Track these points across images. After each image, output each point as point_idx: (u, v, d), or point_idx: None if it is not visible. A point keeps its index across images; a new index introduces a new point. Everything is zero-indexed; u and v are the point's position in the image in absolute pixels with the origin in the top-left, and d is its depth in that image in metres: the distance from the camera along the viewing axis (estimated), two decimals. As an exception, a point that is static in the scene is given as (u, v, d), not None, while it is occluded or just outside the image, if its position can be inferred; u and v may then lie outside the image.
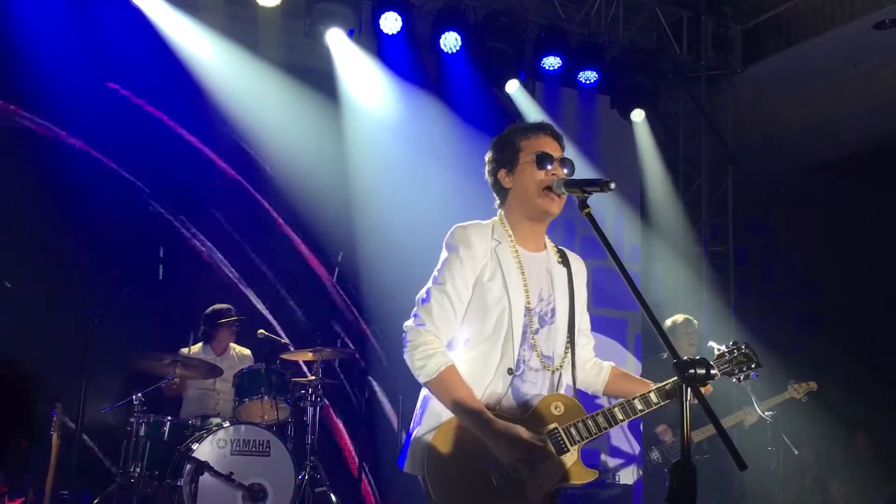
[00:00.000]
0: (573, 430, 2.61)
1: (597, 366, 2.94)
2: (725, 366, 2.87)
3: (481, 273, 2.69)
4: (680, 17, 8.66)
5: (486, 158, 2.88)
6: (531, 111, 8.21)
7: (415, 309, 2.72)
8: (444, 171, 7.46)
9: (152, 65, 7.03)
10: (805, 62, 8.31)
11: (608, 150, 8.62)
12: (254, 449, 5.41)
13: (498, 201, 2.87)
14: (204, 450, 5.28)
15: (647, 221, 8.79)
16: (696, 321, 6.43)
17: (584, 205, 2.49)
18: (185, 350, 6.36)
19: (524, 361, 2.69)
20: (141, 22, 6.93)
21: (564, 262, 2.86)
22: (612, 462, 8.07)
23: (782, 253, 10.10)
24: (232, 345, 6.48)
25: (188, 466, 5.26)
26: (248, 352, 6.50)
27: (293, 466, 5.48)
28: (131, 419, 5.56)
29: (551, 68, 7.99)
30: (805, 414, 6.37)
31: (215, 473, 5.22)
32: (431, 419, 2.65)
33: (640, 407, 2.68)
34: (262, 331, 6.33)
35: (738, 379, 2.89)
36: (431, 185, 7.52)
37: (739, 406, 6.07)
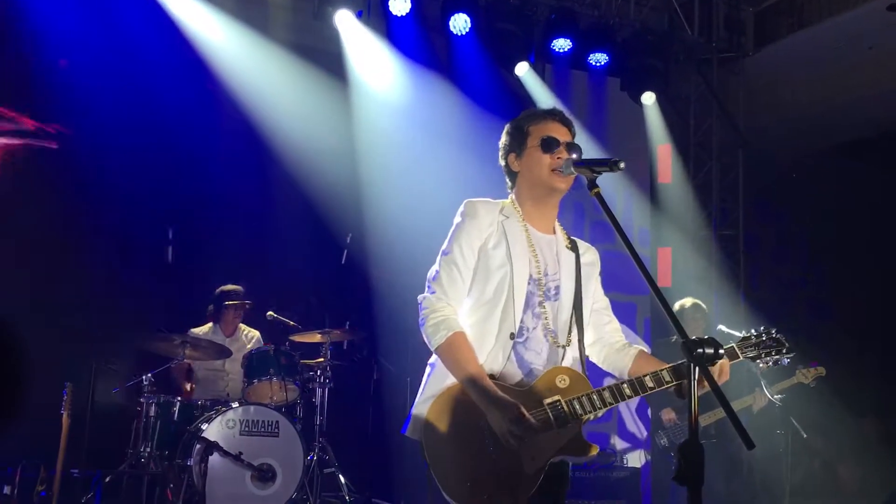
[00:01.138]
0: (576, 404, 2.60)
1: (625, 348, 2.92)
2: (751, 349, 2.79)
3: (486, 241, 2.75)
4: (691, -1, 8.59)
5: (500, 144, 2.95)
6: (541, 94, 8.17)
7: (427, 283, 2.78)
8: (454, 153, 7.44)
9: (161, 46, 7.02)
10: (818, 45, 8.23)
11: (618, 133, 8.58)
12: (263, 429, 5.44)
13: (509, 184, 2.94)
14: (213, 430, 5.31)
15: (657, 205, 8.76)
16: (704, 305, 6.41)
17: (593, 185, 2.49)
18: (194, 330, 6.39)
19: (528, 329, 2.71)
20: (150, 4, 6.91)
21: (574, 248, 2.89)
22: (620, 445, 8.09)
23: (793, 237, 10.05)
24: (241, 326, 6.51)
25: (197, 446, 5.30)
26: (257, 333, 6.53)
27: (302, 447, 5.51)
28: (141, 399, 5.59)
29: (561, 50, 7.94)
30: (814, 398, 6.37)
31: (224, 453, 5.25)
32: (435, 386, 2.69)
33: (650, 384, 2.64)
34: (271, 312, 6.35)
35: (766, 364, 2.81)
36: (441, 167, 7.49)
37: (749, 390, 6.07)
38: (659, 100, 8.50)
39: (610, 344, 2.92)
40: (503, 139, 2.93)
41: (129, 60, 6.99)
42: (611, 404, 2.62)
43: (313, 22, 7.33)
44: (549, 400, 2.61)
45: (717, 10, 8.63)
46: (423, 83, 7.70)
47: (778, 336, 2.83)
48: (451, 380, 2.65)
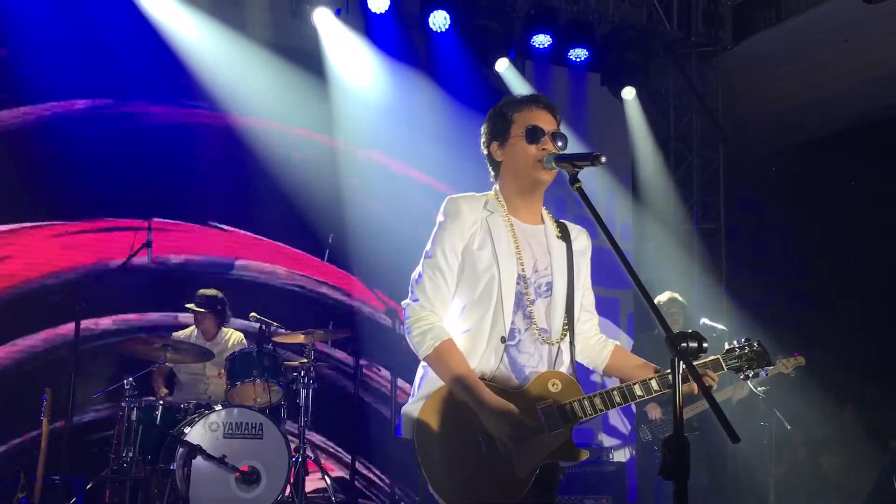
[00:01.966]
0: (568, 409, 2.58)
1: (601, 343, 2.90)
2: (734, 361, 2.77)
3: (470, 241, 2.67)
4: (670, -7, 8.60)
5: (482, 130, 2.85)
6: (521, 90, 8.15)
7: (410, 287, 2.72)
8: (435, 149, 7.43)
9: (138, 46, 6.95)
10: (796, 38, 8.27)
11: (599, 129, 8.60)
12: (246, 432, 5.40)
13: (492, 174, 2.85)
14: (196, 433, 5.26)
15: (639, 199, 8.78)
16: (682, 299, 6.40)
17: (574, 179, 2.45)
18: (177, 333, 6.33)
19: (519, 331, 2.66)
20: (124, 2, 6.84)
21: (565, 236, 2.80)
22: (605, 440, 8.11)
23: (774, 230, 10.12)
24: (224, 329, 6.45)
25: (181, 450, 5.24)
26: (240, 335, 6.47)
27: (286, 449, 5.46)
28: (123, 403, 5.53)
29: (541, 46, 7.95)
30: (797, 389, 6.41)
31: (208, 457, 5.20)
32: (427, 387, 2.65)
33: (639, 392, 2.62)
34: (253, 313, 6.30)
35: (746, 376, 2.82)
36: (421, 164, 7.48)
37: (729, 381, 6.09)
38: (639, 95, 8.52)
39: (587, 338, 2.89)
40: (485, 126, 2.82)
41: (102, 58, 6.92)
42: (601, 410, 2.60)
43: (291, 20, 7.28)
44: (541, 404, 2.58)
45: (695, 4, 8.64)
46: (402, 80, 7.67)
47: (760, 349, 2.80)
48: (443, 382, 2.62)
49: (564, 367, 2.73)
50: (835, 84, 8.75)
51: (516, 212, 2.75)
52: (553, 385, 2.61)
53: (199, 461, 5.20)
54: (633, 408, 6.84)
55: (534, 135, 2.67)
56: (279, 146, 7.44)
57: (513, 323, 2.64)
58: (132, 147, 7.00)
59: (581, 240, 2.85)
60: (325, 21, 7.25)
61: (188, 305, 6.27)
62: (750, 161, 9.37)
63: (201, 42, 7.16)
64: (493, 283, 2.63)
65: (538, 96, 2.81)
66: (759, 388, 5.95)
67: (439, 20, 7.45)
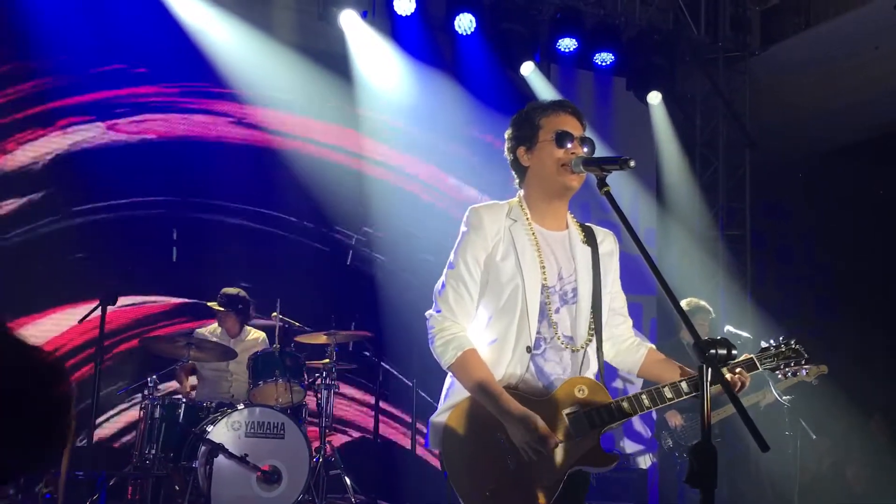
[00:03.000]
0: (595, 414, 2.55)
1: (635, 346, 2.87)
2: (770, 360, 2.73)
3: (493, 251, 2.66)
4: (698, -2, 8.56)
5: (506, 136, 2.84)
6: (546, 93, 8.14)
7: (433, 298, 2.72)
8: (460, 151, 7.43)
9: (166, 47, 7.02)
10: (824, 44, 8.19)
11: (624, 133, 8.55)
12: (268, 431, 5.42)
13: (517, 180, 2.82)
14: (219, 432, 5.29)
15: (664, 205, 8.72)
16: (707, 306, 6.34)
17: (602, 183, 2.44)
18: (200, 330, 6.37)
19: (545, 340, 2.64)
20: (155, 4, 6.91)
21: (590, 240, 2.78)
22: (628, 447, 8.06)
23: (800, 237, 10.01)
24: (247, 327, 6.48)
25: (203, 448, 5.28)
26: (262, 335, 6.49)
27: (307, 449, 5.48)
28: (146, 401, 5.57)
29: (567, 50, 7.92)
30: (823, 398, 6.33)
31: (230, 455, 5.23)
32: (454, 396, 2.66)
33: (669, 395, 2.58)
34: (276, 313, 6.32)
35: (785, 375, 2.77)
36: (446, 166, 7.48)
37: (755, 388, 6.03)
38: (665, 99, 8.47)
39: (620, 342, 2.86)
40: (510, 132, 2.80)
41: (131, 61, 6.99)
42: (629, 415, 2.57)
43: (318, 23, 7.31)
44: (568, 410, 2.56)
45: (723, 9, 8.59)
46: (428, 83, 7.68)
47: (797, 347, 2.77)
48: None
49: (591, 372, 2.71)
50: (864, 90, 8.65)
51: (541, 218, 2.73)
52: (580, 391, 2.59)
53: (221, 459, 5.23)
54: (654, 414, 6.79)
55: (563, 139, 2.66)
56: (304, 148, 7.47)
57: (538, 332, 2.63)
58: (156, 149, 7.07)
59: (607, 242, 2.83)
60: (351, 23, 7.27)
61: (210, 304, 6.31)
62: (776, 167, 9.28)
63: (229, 44, 7.21)
64: (518, 294, 2.62)
65: (565, 102, 2.80)
66: (783, 397, 5.89)
67: (465, 23, 7.45)
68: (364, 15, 7.25)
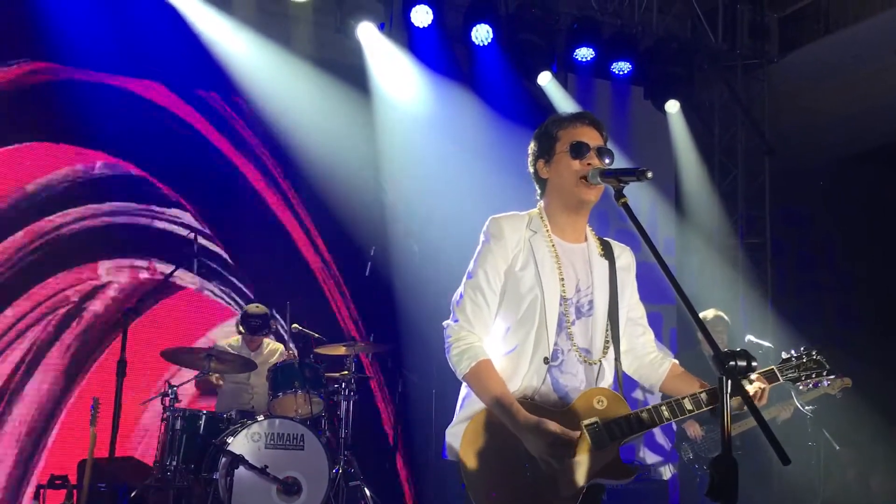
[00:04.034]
0: (614, 426, 2.55)
1: (658, 360, 2.86)
2: (792, 371, 2.72)
3: (513, 262, 2.67)
4: (715, 6, 8.52)
5: (529, 150, 2.85)
6: (564, 103, 8.14)
7: (451, 308, 2.72)
8: (477, 163, 7.43)
9: (185, 61, 7.08)
10: (843, 50, 8.14)
11: (642, 142, 8.52)
12: (288, 443, 5.43)
13: (539, 192, 2.84)
14: (239, 443, 5.31)
15: (683, 214, 8.68)
16: (725, 316, 6.28)
17: (620, 195, 2.44)
18: (222, 342, 6.41)
19: (562, 352, 2.64)
20: (174, 18, 6.98)
21: (608, 254, 2.79)
22: (649, 458, 8.00)
23: (821, 244, 9.92)
24: (266, 340, 6.52)
25: (223, 460, 5.29)
26: (280, 346, 6.53)
27: (327, 460, 5.49)
28: (167, 413, 5.61)
29: (584, 60, 7.91)
30: (846, 407, 6.25)
31: (250, 467, 5.24)
32: (470, 407, 2.65)
33: (689, 407, 2.57)
34: (295, 325, 6.35)
35: (806, 386, 2.75)
36: (464, 178, 7.48)
37: (777, 399, 5.97)
38: (683, 108, 8.44)
39: (642, 356, 2.85)
40: (532, 145, 2.83)
41: (151, 76, 7.07)
42: (648, 427, 2.56)
43: (336, 35, 7.36)
44: (587, 422, 2.55)
45: (740, 16, 8.56)
46: (445, 94, 7.70)
47: (819, 358, 2.75)
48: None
49: (607, 384, 2.70)
50: (883, 95, 8.58)
51: (560, 230, 2.74)
52: (599, 402, 2.59)
53: (241, 471, 5.24)
54: (674, 425, 6.75)
55: (578, 150, 2.67)
56: (322, 159, 7.51)
57: (556, 344, 2.63)
58: (174, 162, 7.15)
59: (624, 257, 2.83)
60: (368, 36, 7.31)
61: (241, 329, 6.35)
62: (796, 174, 9.22)
63: (247, 56, 7.27)
64: (537, 304, 2.62)
65: (584, 113, 2.81)
66: (806, 408, 5.83)
67: (482, 34, 7.47)
68: (381, 27, 7.29)
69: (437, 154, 7.68)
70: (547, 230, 2.72)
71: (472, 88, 7.83)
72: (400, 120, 7.72)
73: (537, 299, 2.62)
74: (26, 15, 6.53)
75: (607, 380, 2.71)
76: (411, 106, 7.73)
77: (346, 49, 7.46)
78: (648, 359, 2.86)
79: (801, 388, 2.75)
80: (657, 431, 8.08)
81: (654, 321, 8.24)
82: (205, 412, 5.66)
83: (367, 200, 7.69)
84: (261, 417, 5.55)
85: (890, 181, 9.05)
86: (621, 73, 8.08)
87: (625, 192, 2.45)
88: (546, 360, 2.62)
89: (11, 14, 6.55)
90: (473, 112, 7.75)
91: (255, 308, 6.40)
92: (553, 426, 2.48)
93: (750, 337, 6.26)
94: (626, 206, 2.41)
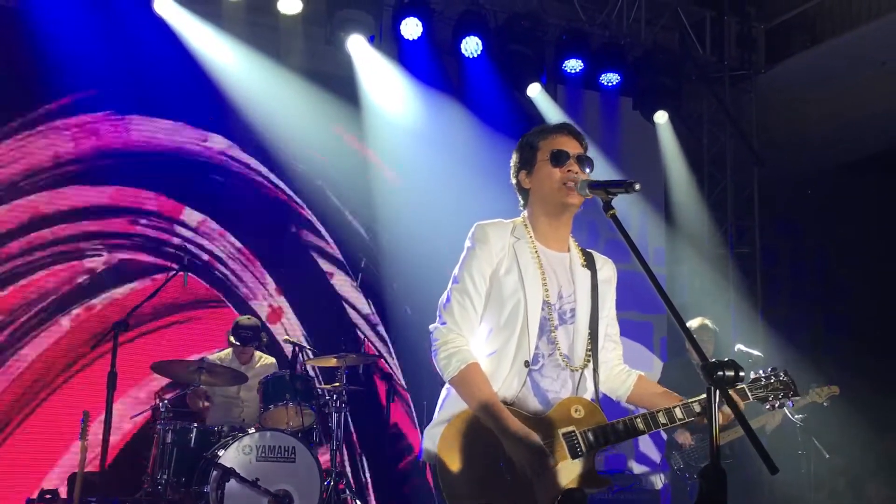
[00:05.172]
0: (590, 436, 2.58)
1: (624, 372, 2.90)
2: (760, 391, 2.76)
3: (498, 266, 2.70)
4: (703, 17, 8.60)
5: (511, 163, 2.89)
6: (553, 114, 8.18)
7: (438, 312, 2.74)
8: (467, 174, 7.45)
9: (175, 74, 7.09)
10: (831, 61, 8.21)
11: (631, 153, 8.57)
12: (279, 455, 5.41)
13: (521, 203, 2.87)
14: (230, 456, 5.29)
15: (672, 224, 8.72)
16: (712, 325, 6.29)
17: (608, 206, 2.46)
18: (211, 357, 6.40)
19: (543, 356, 2.67)
20: (164, 32, 6.99)
21: (590, 265, 2.83)
22: (638, 468, 8.01)
23: (810, 254, 9.98)
24: (257, 353, 6.50)
25: (214, 473, 5.27)
26: (272, 360, 6.51)
27: (318, 472, 5.47)
28: (158, 426, 5.58)
29: (573, 71, 7.96)
30: (835, 416, 6.28)
31: (241, 480, 5.22)
32: (450, 409, 2.65)
33: (662, 421, 2.62)
34: (286, 337, 6.34)
35: (773, 406, 2.79)
36: (454, 189, 7.51)
37: (762, 410, 5.98)
38: (672, 119, 8.49)
39: (611, 368, 2.89)
40: (513, 157, 2.86)
41: (142, 89, 7.07)
42: (624, 438, 2.60)
43: (326, 47, 7.38)
44: (563, 430, 2.58)
45: (728, 28, 8.63)
46: (435, 106, 7.73)
47: (786, 379, 2.78)
48: (466, 405, 2.62)
49: (588, 394, 2.73)
50: (871, 106, 8.66)
51: (543, 238, 2.77)
52: (576, 411, 2.62)
53: (232, 484, 5.22)
54: (664, 434, 6.76)
55: (558, 158, 2.71)
56: (312, 170, 7.52)
57: (537, 348, 2.66)
58: (167, 175, 7.15)
59: (606, 269, 2.87)
60: (358, 48, 7.33)
61: (232, 340, 6.32)
62: (785, 184, 9.28)
63: (236, 68, 7.29)
64: (519, 308, 2.65)
65: (564, 124, 2.85)
66: (796, 417, 5.85)
67: (471, 46, 7.50)
68: (371, 39, 7.31)
69: (428, 165, 7.70)
70: (531, 237, 2.76)
71: (461, 100, 7.86)
72: (390, 131, 7.74)
73: (520, 303, 2.65)
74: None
75: (588, 390, 2.73)
76: (401, 118, 7.75)
77: (336, 61, 7.48)
78: (615, 371, 2.90)
79: (767, 407, 2.78)
80: (647, 441, 8.10)
81: (645, 331, 8.31)
82: (196, 425, 5.64)
83: (357, 211, 7.70)
84: (252, 430, 5.53)
85: (878, 190, 9.12)
86: (610, 84, 8.13)
87: (615, 201, 2.48)
88: (527, 364, 2.64)
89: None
90: (463, 124, 7.78)
91: (247, 320, 6.38)
92: (537, 437, 2.50)
93: (740, 346, 6.28)
94: (614, 218, 2.43)
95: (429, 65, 7.56)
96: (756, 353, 6.29)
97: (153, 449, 5.59)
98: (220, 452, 5.33)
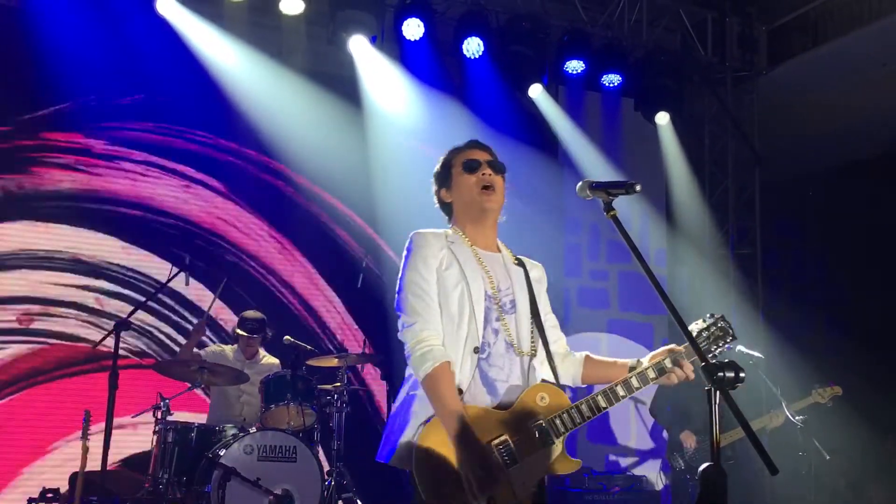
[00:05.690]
0: (558, 422, 2.65)
1: (573, 357, 3.02)
2: (704, 343, 2.80)
3: (439, 264, 2.81)
4: (704, 18, 8.60)
5: (432, 189, 3.07)
6: (554, 115, 8.19)
7: (399, 321, 2.81)
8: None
9: (177, 74, 7.10)
10: (832, 62, 8.21)
11: (633, 154, 8.57)
12: (280, 455, 5.42)
13: (447, 219, 3.04)
14: (231, 456, 5.30)
15: (673, 225, 8.72)
16: None
17: (609, 207, 2.50)
18: (215, 348, 6.40)
19: (489, 345, 2.76)
20: (167, 32, 7.00)
21: (521, 265, 2.98)
22: (639, 469, 8.02)
23: (812, 255, 9.97)
24: (261, 352, 6.51)
25: (216, 472, 5.28)
26: (276, 360, 6.52)
27: (319, 472, 5.48)
28: (159, 425, 5.59)
29: (574, 72, 7.96)
30: (836, 417, 6.28)
31: (242, 479, 5.23)
32: (423, 413, 2.68)
33: (622, 392, 2.70)
34: (287, 337, 6.35)
35: (714, 355, 2.80)
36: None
37: (767, 409, 5.99)
38: (673, 119, 8.49)
39: (561, 357, 3.00)
40: (433, 182, 3.05)
41: (144, 90, 7.09)
42: (590, 417, 2.67)
43: (328, 47, 7.39)
44: (533, 421, 2.65)
45: (729, 29, 8.63)
46: (437, 107, 7.73)
47: (724, 324, 2.82)
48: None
49: (537, 376, 2.83)
50: (873, 107, 8.65)
51: (475, 241, 2.92)
52: (541, 399, 2.70)
53: (233, 483, 5.23)
54: (665, 435, 6.76)
55: (471, 165, 2.90)
56: (313, 170, 7.53)
57: (483, 336, 2.75)
58: (171, 173, 7.16)
59: (536, 271, 3.02)
60: (360, 48, 7.34)
61: (238, 331, 6.33)
62: (786, 185, 9.28)
63: (238, 68, 7.30)
64: (464, 299, 2.76)
65: (472, 140, 3.05)
66: (797, 418, 5.86)
67: (473, 47, 7.51)
68: (373, 40, 7.32)
69: (429, 166, 7.68)
70: (465, 238, 2.90)
71: (463, 101, 7.87)
72: (392, 132, 7.75)
73: (464, 294, 2.76)
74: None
75: (538, 378, 2.83)
76: (403, 118, 7.75)
77: (338, 62, 7.49)
78: (567, 360, 3.01)
79: (713, 352, 2.79)
80: (648, 441, 8.10)
81: (645, 332, 8.32)
82: (197, 424, 5.65)
83: (358, 212, 7.71)
84: (253, 430, 5.54)
85: (880, 192, 9.11)
86: (611, 85, 8.14)
87: (616, 202, 2.51)
88: (476, 350, 2.73)
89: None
90: (465, 124, 7.78)
91: (252, 313, 6.42)
92: (493, 457, 2.56)
93: (741, 347, 6.27)
94: (615, 219, 2.46)
95: (430, 65, 7.56)
96: (757, 354, 6.30)
97: (154, 448, 5.61)
98: (222, 452, 5.35)
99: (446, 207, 3.02)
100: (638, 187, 2.46)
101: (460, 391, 2.66)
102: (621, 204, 2.51)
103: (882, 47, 7.84)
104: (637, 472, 7.89)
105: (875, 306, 9.07)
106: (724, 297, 8.51)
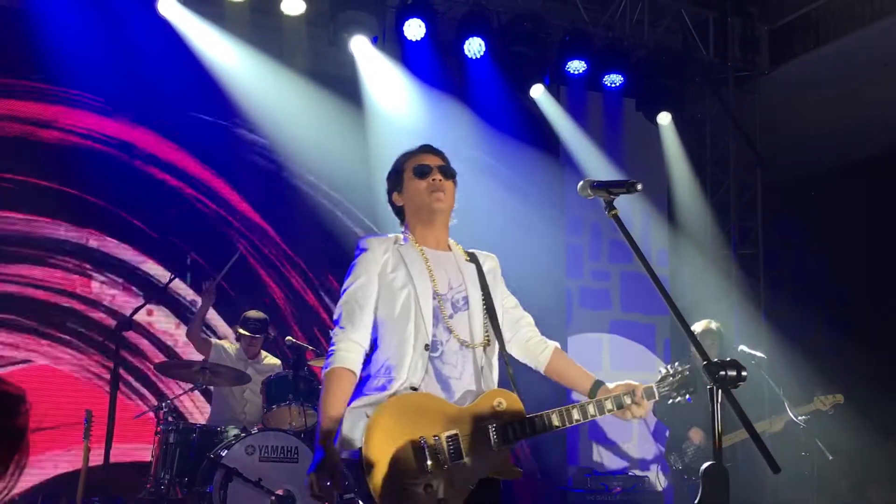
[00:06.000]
0: (510, 430, 2.70)
1: (541, 343, 3.05)
2: (665, 388, 2.79)
3: (384, 268, 2.86)
4: (706, 19, 8.59)
5: (386, 192, 3.11)
6: (556, 115, 8.19)
7: (334, 318, 2.91)
8: (470, 176, 7.43)
9: (178, 75, 7.10)
10: (834, 62, 8.20)
11: (634, 154, 8.58)
12: (282, 455, 5.42)
13: (399, 222, 3.08)
14: (233, 456, 5.30)
15: (675, 225, 8.72)
16: (716, 327, 6.26)
17: (610, 206, 2.50)
18: (218, 342, 6.40)
19: (441, 343, 2.80)
20: (168, 33, 7.00)
21: (473, 260, 3.01)
22: (640, 469, 8.01)
23: (814, 255, 9.97)
24: (263, 352, 6.51)
25: (217, 473, 5.28)
26: (277, 361, 6.52)
27: (321, 473, 5.47)
28: (161, 426, 5.59)
29: (576, 72, 7.96)
30: (838, 418, 6.27)
31: (244, 480, 5.23)
32: (374, 395, 2.73)
33: (576, 416, 2.71)
34: (289, 337, 6.36)
35: (673, 401, 2.82)
36: (457, 190, 7.50)
37: (770, 412, 5.98)
38: (675, 120, 8.49)
39: (525, 342, 3.05)
40: (387, 186, 3.09)
41: (146, 90, 7.09)
42: (541, 432, 2.72)
43: (329, 48, 7.39)
44: (489, 423, 2.69)
45: (731, 29, 8.62)
46: (438, 107, 7.73)
47: (688, 376, 2.77)
48: (385, 392, 2.70)
49: (494, 376, 2.87)
50: (875, 107, 8.65)
51: (425, 242, 2.96)
52: (498, 405, 2.73)
53: (235, 484, 5.23)
54: (665, 435, 6.74)
55: (421, 171, 2.97)
56: (315, 172, 7.52)
57: (434, 336, 2.79)
58: (172, 172, 7.16)
59: (489, 262, 3.07)
60: (362, 49, 7.34)
61: (241, 331, 6.33)
62: (788, 185, 9.27)
63: (239, 68, 7.30)
64: (411, 299, 2.80)
65: (424, 145, 3.12)
66: (799, 418, 5.85)
67: (474, 47, 7.51)
68: (375, 40, 7.32)
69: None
70: (413, 240, 2.95)
71: (464, 101, 7.86)
72: (393, 132, 7.73)
73: (410, 295, 2.80)
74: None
75: (493, 374, 2.87)
76: (404, 118, 7.75)
77: (339, 62, 7.50)
78: (531, 343, 3.05)
79: (668, 402, 2.80)
80: (648, 441, 8.09)
81: (648, 332, 8.31)
82: (198, 425, 5.65)
83: (359, 212, 7.70)
84: (255, 430, 5.54)
85: (882, 193, 9.11)
86: (613, 85, 8.13)
87: (617, 202, 2.51)
88: (427, 348, 2.76)
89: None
90: (466, 125, 7.78)
91: (255, 313, 6.41)
92: (342, 470, 2.65)
93: (743, 347, 6.27)
94: (616, 218, 2.46)
95: (432, 66, 7.56)
96: (759, 354, 6.29)
97: (156, 449, 5.61)
98: (223, 452, 5.35)
99: (398, 211, 3.08)
100: (639, 186, 2.46)
101: (415, 389, 2.70)
102: (623, 205, 2.51)
103: (883, 47, 7.83)
104: (638, 472, 7.88)
105: (877, 307, 9.07)
106: (725, 298, 8.51)
